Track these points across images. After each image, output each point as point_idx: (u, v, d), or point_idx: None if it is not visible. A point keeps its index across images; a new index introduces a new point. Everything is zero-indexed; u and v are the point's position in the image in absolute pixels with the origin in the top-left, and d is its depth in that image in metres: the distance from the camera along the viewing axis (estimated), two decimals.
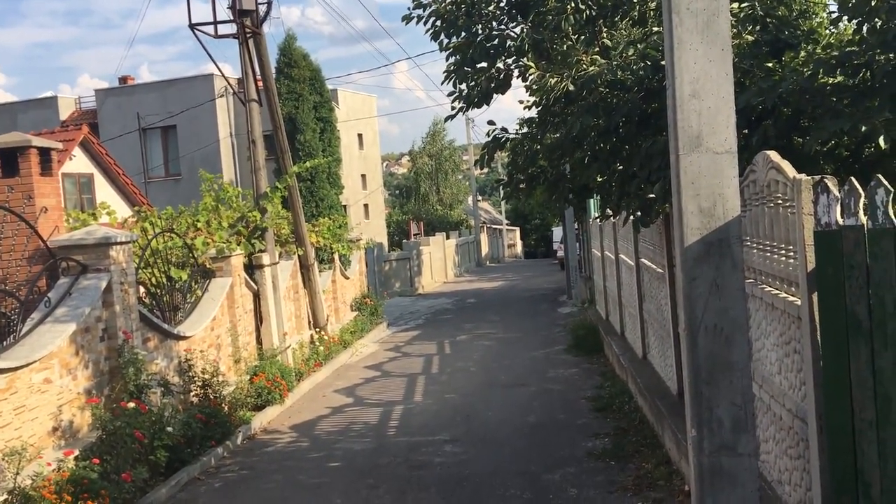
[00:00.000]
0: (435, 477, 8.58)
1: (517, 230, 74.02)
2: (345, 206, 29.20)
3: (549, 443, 9.54)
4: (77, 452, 7.67)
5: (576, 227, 28.09)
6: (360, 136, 41.98)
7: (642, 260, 10.98)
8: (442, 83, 7.77)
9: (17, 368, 7.27)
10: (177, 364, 10.65)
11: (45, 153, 9.05)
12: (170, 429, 8.76)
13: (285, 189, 14.34)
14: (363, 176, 42.38)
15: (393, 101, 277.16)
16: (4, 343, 7.65)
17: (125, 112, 36.09)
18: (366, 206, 42.64)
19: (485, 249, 57.28)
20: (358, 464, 9.31)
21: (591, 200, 19.87)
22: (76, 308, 8.32)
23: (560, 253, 45.25)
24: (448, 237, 45.13)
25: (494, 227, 65.86)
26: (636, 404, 10.45)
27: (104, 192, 24.04)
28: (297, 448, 10.43)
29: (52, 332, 7.92)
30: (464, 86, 7.59)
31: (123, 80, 39.43)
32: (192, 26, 13.60)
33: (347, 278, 21.79)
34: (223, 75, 15.32)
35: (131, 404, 8.22)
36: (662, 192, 6.24)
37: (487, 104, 7.58)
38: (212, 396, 10.81)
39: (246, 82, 13.95)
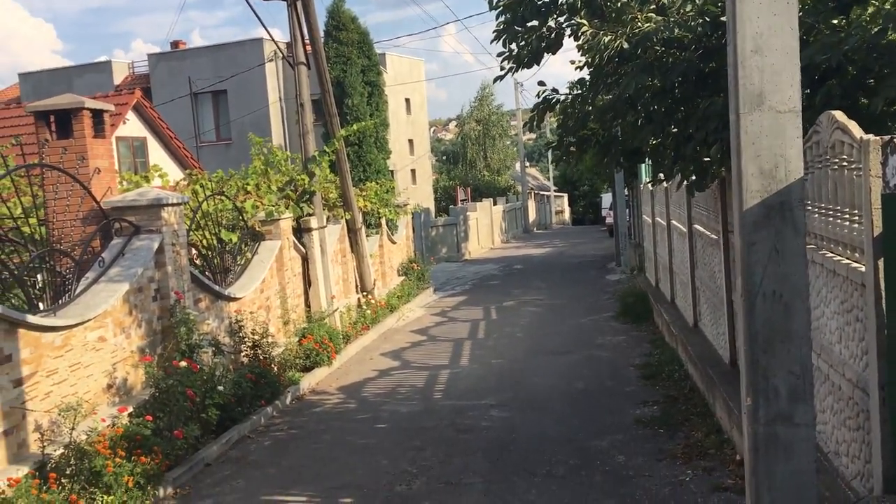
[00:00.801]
0: (481, 441, 8.58)
1: (565, 196, 73.39)
2: (392, 172, 29.20)
3: (597, 409, 9.47)
4: (131, 409, 7.81)
5: (626, 193, 27.69)
6: (407, 100, 41.85)
7: (695, 226, 10.76)
8: (491, 42, 7.58)
9: (72, 326, 7.40)
10: (227, 325, 10.78)
11: (97, 115, 9.13)
12: (221, 388, 8.88)
13: (333, 153, 14.33)
14: (410, 141, 42.30)
15: (441, 65, 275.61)
16: (60, 301, 7.79)
17: (177, 77, 36.48)
18: (413, 171, 42.61)
19: (532, 216, 56.95)
20: (404, 426, 9.35)
21: (643, 165, 19.57)
22: (129, 268, 8.43)
23: (609, 219, 44.76)
24: (495, 203, 44.92)
25: (542, 193, 65.40)
26: (686, 372, 10.30)
27: (157, 155, 24.35)
28: (345, 409, 10.52)
29: (106, 291, 8.04)
30: (514, 45, 7.43)
31: (175, 44, 39.75)
32: None
33: (394, 243, 21.82)
34: (272, 39, 15.28)
35: (183, 363, 8.33)
36: (720, 154, 6.06)
37: (538, 64, 7.41)
38: (261, 357, 10.93)
39: (294, 45, 13.90)
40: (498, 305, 19.29)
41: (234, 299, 11.04)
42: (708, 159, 6.97)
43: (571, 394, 10.34)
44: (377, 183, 19.86)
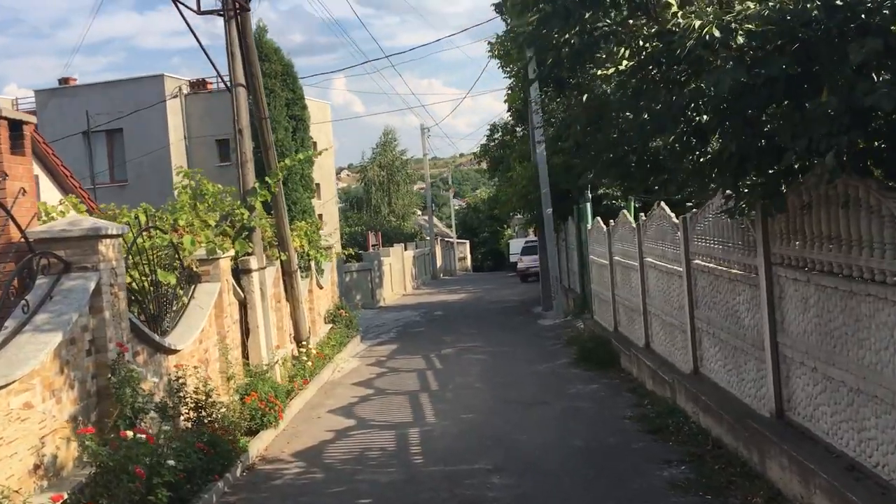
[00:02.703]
0: None
1: (467, 243, 72.91)
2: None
3: (614, 472, 8.22)
4: (66, 497, 6.06)
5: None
6: (314, 143, 40.35)
7: (696, 261, 9.78)
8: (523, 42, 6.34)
9: None
10: (166, 382, 9.03)
11: (15, 127, 7.42)
12: (171, 462, 7.17)
13: (276, 184, 12.80)
14: (318, 185, 40.73)
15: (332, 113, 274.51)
16: None
17: (67, 114, 33.96)
18: (320, 216, 40.96)
19: (439, 262, 55.94)
20: (393, 500, 7.86)
21: (587, 206, 18.80)
22: (60, 314, 6.69)
23: (520, 265, 44.18)
24: (406, 248, 43.71)
25: (447, 240, 64.65)
26: (699, 426, 9.20)
27: (51, 196, 21.96)
28: (311, 481, 8.91)
29: (34, 343, 6.30)
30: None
31: (65, 80, 37.20)
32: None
33: (321, 288, 20.25)
34: (210, 59, 13.71)
35: (130, 433, 6.62)
36: (835, 163, 5.01)
37: (580, 65, 6.25)
38: (206, 420, 9.24)
39: (232, 64, 12.40)
40: (437, 353, 17.94)
41: (174, 351, 9.32)
42: (776, 174, 5.98)
43: (573, 453, 9.06)
44: (306, 223, 18.31)
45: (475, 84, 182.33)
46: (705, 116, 6.27)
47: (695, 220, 9.73)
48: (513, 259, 50.03)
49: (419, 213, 68.62)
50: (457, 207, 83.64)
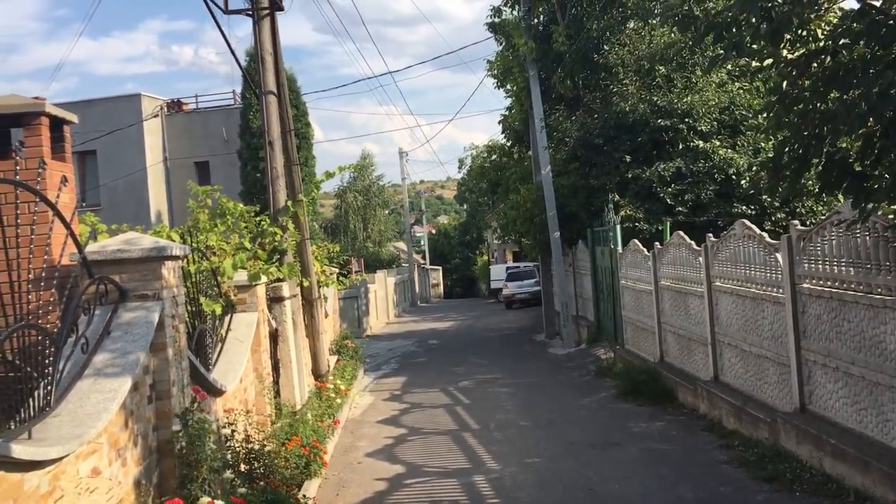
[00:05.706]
0: None
1: (440, 269, 71.87)
2: None
3: None
4: None
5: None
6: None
7: (806, 285, 8.73)
8: None
9: (61, 458, 4.31)
10: (216, 430, 7.69)
11: (56, 126, 6.14)
12: None
13: (311, 202, 11.56)
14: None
15: None
16: (30, 412, 4.60)
17: None
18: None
19: (417, 288, 54.71)
20: None
21: (618, 228, 17.77)
22: (124, 354, 5.37)
23: (505, 291, 43.16)
24: (388, 275, 42.45)
25: (422, 266, 63.50)
26: (823, 473, 8.08)
27: None
28: None
29: (99, 391, 4.97)
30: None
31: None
32: None
33: (327, 316, 18.90)
34: (235, 57, 12.47)
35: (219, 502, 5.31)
36: None
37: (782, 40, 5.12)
38: (258, 473, 7.91)
39: (263, 71, 11.19)
40: (455, 386, 16.76)
41: (221, 393, 7.99)
42: None
43: None
44: (317, 247, 16.99)
45: (465, 104, 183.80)
46: None
47: (807, 241, 8.70)
48: (495, 285, 48.94)
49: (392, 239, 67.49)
50: (420, 234, 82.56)
